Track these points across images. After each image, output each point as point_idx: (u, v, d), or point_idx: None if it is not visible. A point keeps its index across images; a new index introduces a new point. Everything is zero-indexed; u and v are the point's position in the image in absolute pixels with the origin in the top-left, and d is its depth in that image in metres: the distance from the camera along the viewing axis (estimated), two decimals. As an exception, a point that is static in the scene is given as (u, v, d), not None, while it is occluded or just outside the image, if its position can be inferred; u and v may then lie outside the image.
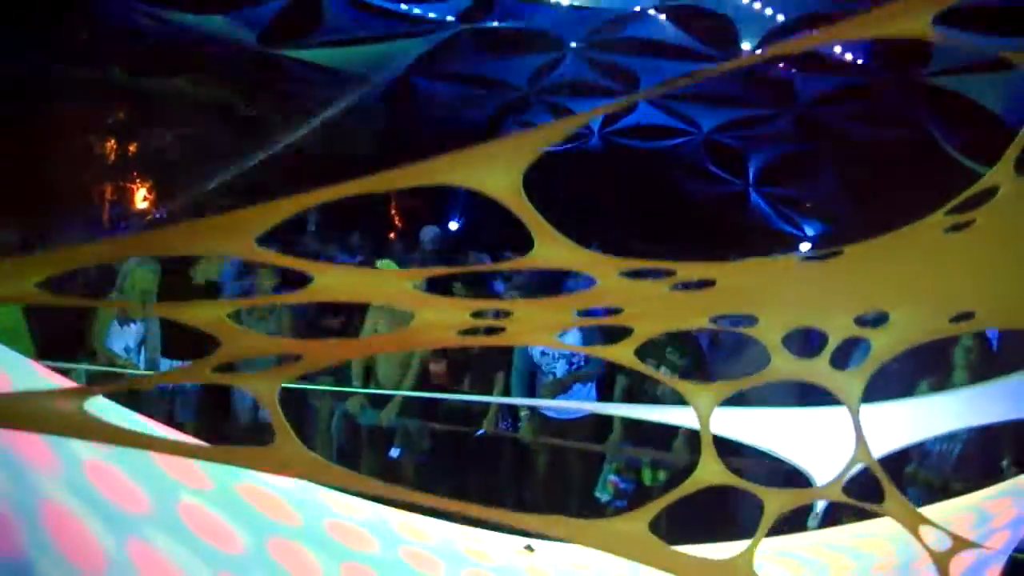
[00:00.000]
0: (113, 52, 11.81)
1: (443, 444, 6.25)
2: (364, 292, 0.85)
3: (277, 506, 1.69)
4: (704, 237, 13.33)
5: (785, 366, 1.06)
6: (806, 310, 1.03)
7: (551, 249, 0.86)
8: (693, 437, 5.71)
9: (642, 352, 1.04)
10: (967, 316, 1.12)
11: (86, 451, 1.51)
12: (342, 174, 0.78)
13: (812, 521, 3.98)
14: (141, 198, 13.75)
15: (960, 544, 1.34)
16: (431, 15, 11.37)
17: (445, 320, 0.91)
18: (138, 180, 13.17)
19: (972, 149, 10.65)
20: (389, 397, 5.91)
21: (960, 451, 5.06)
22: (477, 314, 0.92)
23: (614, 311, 0.96)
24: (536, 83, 14.30)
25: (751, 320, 1.02)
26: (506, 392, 6.14)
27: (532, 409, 6.09)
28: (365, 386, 5.78)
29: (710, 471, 1.11)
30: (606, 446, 5.84)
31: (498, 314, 0.93)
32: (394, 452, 6.23)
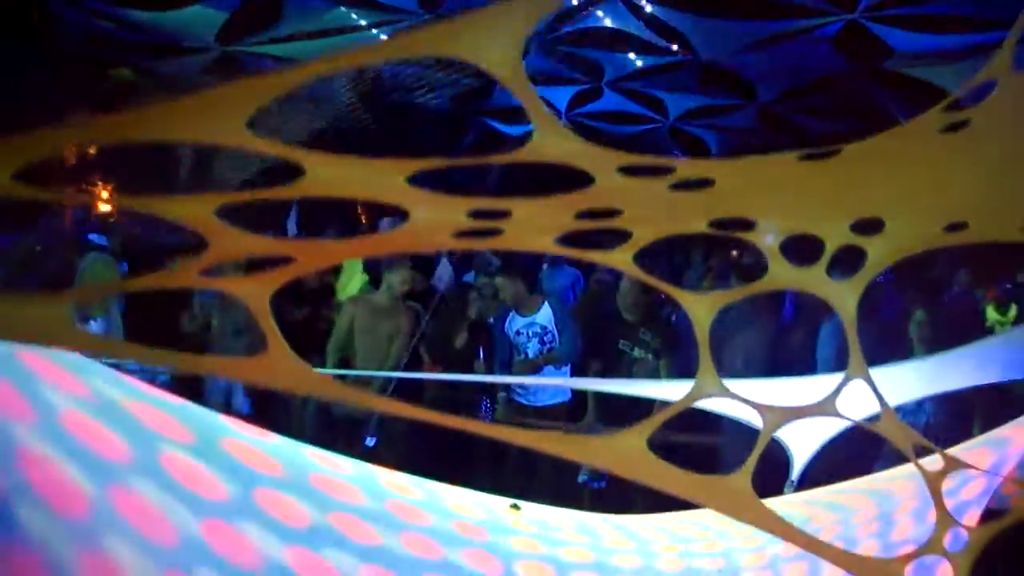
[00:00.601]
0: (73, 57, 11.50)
1: (420, 433, 6.22)
2: (357, 186, 0.82)
3: (261, 459, 1.65)
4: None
5: (783, 274, 1.05)
6: (803, 214, 1.03)
7: (550, 138, 0.84)
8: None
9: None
10: (960, 227, 1.12)
11: (62, 401, 1.46)
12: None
13: (788, 489, 4.01)
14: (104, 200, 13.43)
15: (952, 464, 1.35)
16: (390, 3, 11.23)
17: (441, 221, 0.89)
18: (100, 184, 12.88)
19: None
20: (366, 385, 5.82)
21: (926, 421, 5.14)
22: (474, 214, 0.89)
23: (613, 213, 0.95)
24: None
25: (749, 224, 1.01)
26: (487, 381, 6.11)
27: (506, 395, 6.07)
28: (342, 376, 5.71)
29: (708, 383, 1.10)
30: (580, 426, 5.83)
31: (496, 215, 0.90)
32: (370, 441, 6.17)
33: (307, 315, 6.71)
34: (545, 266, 8.04)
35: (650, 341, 5.54)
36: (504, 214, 0.91)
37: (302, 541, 1.46)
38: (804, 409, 1.12)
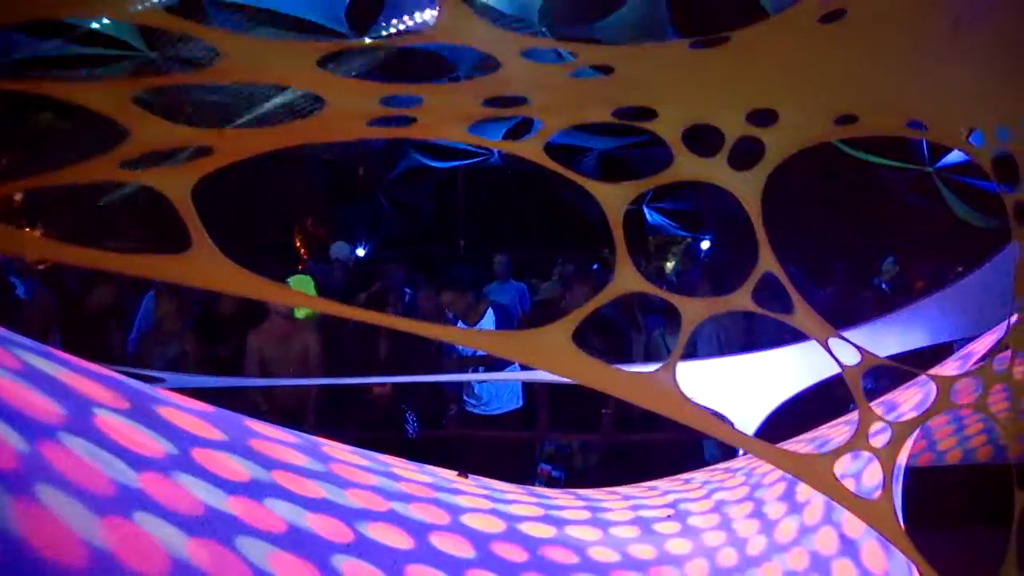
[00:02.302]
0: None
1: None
2: (272, 70, 0.85)
3: (198, 425, 1.63)
4: (605, 243, 13.71)
5: (687, 165, 1.11)
6: (701, 103, 1.09)
7: (457, 21, 0.89)
8: (620, 417, 5.81)
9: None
10: (850, 119, 1.20)
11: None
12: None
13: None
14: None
15: (869, 359, 1.42)
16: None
17: (356, 108, 0.92)
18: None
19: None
20: (295, 404, 5.63)
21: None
22: (388, 101, 0.93)
23: (520, 101, 0.99)
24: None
25: (651, 113, 1.07)
26: (436, 393, 6.06)
27: (458, 406, 6.03)
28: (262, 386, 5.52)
29: (628, 279, 1.15)
30: (535, 433, 5.84)
31: (409, 102, 0.94)
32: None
33: (233, 350, 6.51)
34: (494, 283, 8.12)
35: (598, 347, 5.62)
36: (417, 101, 0.95)
37: (244, 492, 1.45)
38: (719, 301, 1.18)
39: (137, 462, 1.38)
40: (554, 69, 0.95)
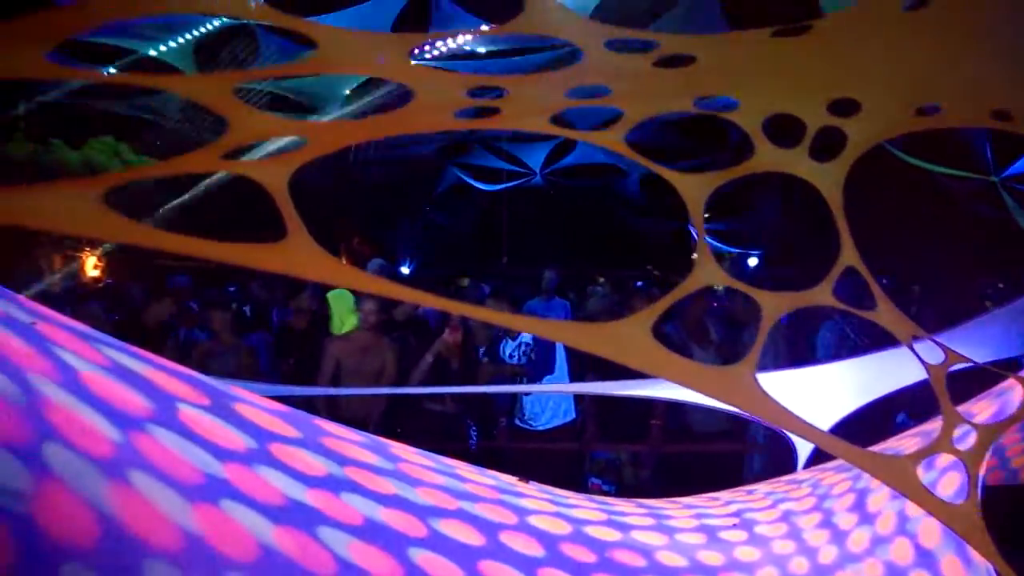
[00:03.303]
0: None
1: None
2: (366, 61, 0.88)
3: (273, 422, 1.67)
4: (653, 262, 13.71)
5: (767, 155, 1.11)
6: (783, 94, 1.09)
7: (541, 12, 0.91)
8: (668, 428, 5.72)
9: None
10: (934, 110, 1.18)
11: (82, 365, 1.49)
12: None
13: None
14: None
15: (954, 358, 1.39)
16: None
17: (442, 99, 0.94)
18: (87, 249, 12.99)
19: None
20: (360, 416, 5.70)
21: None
22: (474, 92, 0.95)
23: (603, 92, 1.01)
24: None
25: (731, 104, 1.07)
26: (487, 404, 6.07)
27: (507, 421, 6.02)
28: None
29: (708, 272, 1.14)
30: (583, 443, 5.79)
31: (494, 94, 0.96)
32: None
33: (298, 358, 6.66)
34: (536, 299, 8.11)
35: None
36: (501, 93, 0.97)
37: (321, 486, 1.48)
38: (801, 296, 1.16)
39: (220, 454, 1.42)
40: (637, 59, 0.96)
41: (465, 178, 15.73)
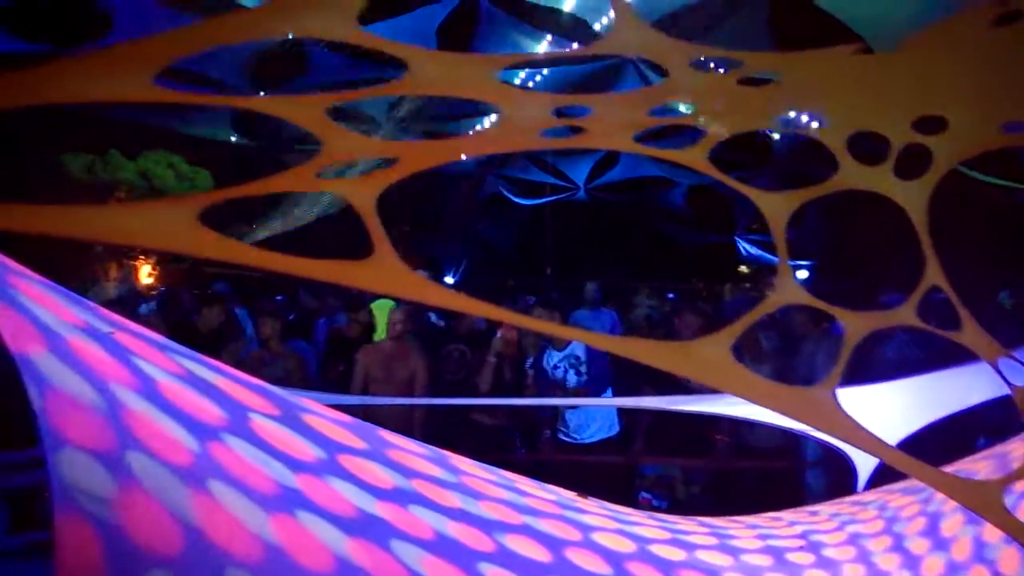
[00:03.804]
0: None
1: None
2: (457, 83, 0.89)
3: (341, 433, 1.69)
4: (698, 273, 13.58)
5: (852, 174, 1.09)
6: (866, 110, 1.07)
7: (627, 31, 0.91)
8: (735, 444, 5.60)
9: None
10: (1019, 126, 1.15)
11: (158, 374, 1.53)
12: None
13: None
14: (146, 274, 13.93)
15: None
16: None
17: (530, 118, 0.95)
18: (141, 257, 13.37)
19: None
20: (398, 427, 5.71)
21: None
22: (559, 113, 0.96)
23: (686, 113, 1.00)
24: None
25: (818, 119, 1.06)
26: (532, 416, 6.05)
27: (551, 434, 5.98)
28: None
29: (789, 290, 1.13)
30: (631, 456, 5.71)
31: (578, 112, 0.97)
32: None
33: (346, 366, 6.75)
34: (581, 310, 8.08)
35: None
36: (586, 112, 0.97)
37: (390, 499, 1.49)
38: (885, 316, 1.14)
39: (293, 464, 1.45)
40: (721, 77, 0.96)
41: (506, 192, 15.79)
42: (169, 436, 1.36)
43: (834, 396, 1.16)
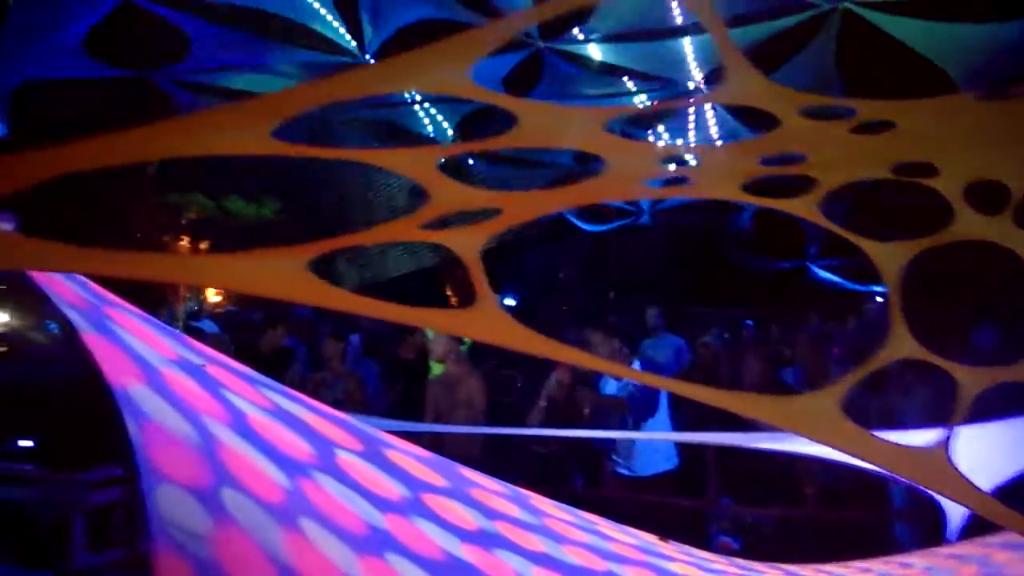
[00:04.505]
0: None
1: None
2: (565, 134, 0.89)
3: (422, 470, 1.69)
4: (763, 299, 13.24)
5: (969, 223, 1.05)
6: (987, 158, 1.03)
7: (739, 80, 0.89)
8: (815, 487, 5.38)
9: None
10: None
11: (248, 407, 1.56)
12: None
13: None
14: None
15: None
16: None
17: (635, 169, 0.94)
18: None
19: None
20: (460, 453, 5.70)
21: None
22: (664, 161, 0.95)
23: (797, 158, 0.98)
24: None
25: (932, 170, 1.02)
26: (588, 446, 5.92)
27: (611, 466, 5.84)
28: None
29: (904, 345, 1.08)
30: (706, 500, 5.54)
31: (683, 162, 0.95)
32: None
33: (402, 389, 6.81)
34: (648, 339, 7.94)
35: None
36: (691, 161, 0.96)
37: (475, 541, 1.48)
38: (1003, 371, 1.09)
39: (380, 503, 1.45)
40: (834, 125, 0.93)
41: (570, 218, 15.76)
42: (262, 473, 1.38)
43: (948, 455, 1.11)
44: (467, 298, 0.94)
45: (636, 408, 5.56)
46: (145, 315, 1.77)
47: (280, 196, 13.86)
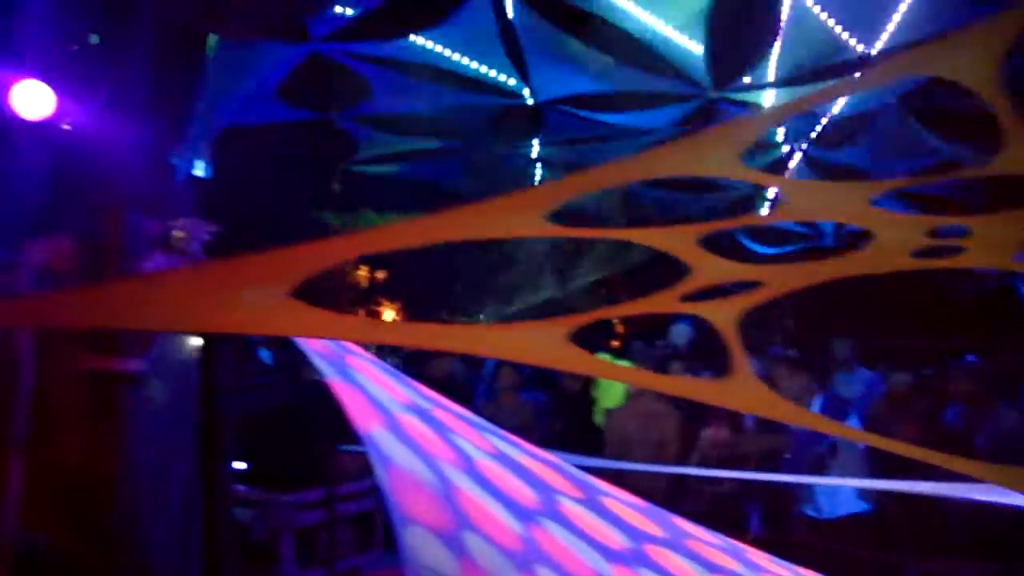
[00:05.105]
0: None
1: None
2: (834, 209, 0.90)
3: (639, 519, 1.71)
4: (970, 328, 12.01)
5: None
6: None
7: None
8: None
9: None
10: None
11: (475, 452, 1.66)
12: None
13: None
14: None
15: None
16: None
17: (901, 240, 0.93)
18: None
19: None
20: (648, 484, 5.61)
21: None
22: (932, 233, 0.93)
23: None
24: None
25: None
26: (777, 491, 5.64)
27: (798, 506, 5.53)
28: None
29: None
30: (900, 556, 5.11)
31: (955, 233, 0.93)
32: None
33: (565, 423, 6.77)
34: (839, 373, 7.42)
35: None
36: (963, 231, 0.93)
37: (700, 596, 1.48)
38: None
39: (607, 554, 1.49)
40: None
41: (745, 242, 15.20)
42: (497, 518, 1.47)
43: None
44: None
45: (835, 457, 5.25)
46: (377, 360, 1.93)
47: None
